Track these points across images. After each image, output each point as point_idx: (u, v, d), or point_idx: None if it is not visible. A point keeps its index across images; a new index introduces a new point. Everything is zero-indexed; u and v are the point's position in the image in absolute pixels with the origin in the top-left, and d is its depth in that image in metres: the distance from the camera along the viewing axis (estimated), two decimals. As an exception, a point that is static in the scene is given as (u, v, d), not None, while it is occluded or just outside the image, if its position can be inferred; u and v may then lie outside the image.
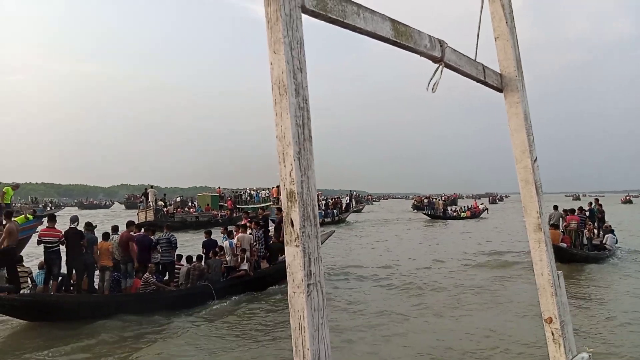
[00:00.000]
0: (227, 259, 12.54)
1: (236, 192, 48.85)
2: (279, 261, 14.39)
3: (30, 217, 15.35)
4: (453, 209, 47.94)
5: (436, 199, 59.99)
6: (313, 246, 1.14)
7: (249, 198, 47.30)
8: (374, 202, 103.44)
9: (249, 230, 13.81)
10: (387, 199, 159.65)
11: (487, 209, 51.17)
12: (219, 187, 48.41)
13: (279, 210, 17.50)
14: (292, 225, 1.13)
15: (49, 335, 9.05)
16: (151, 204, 33.14)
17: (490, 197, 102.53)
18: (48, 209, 53.80)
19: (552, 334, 2.05)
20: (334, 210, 39.49)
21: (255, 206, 38.98)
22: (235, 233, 13.39)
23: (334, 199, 47.56)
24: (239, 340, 8.94)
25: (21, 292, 9.89)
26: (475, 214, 46.85)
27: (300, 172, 1.13)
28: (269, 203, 42.43)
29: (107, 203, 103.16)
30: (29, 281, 10.44)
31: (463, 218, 44.37)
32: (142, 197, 36.56)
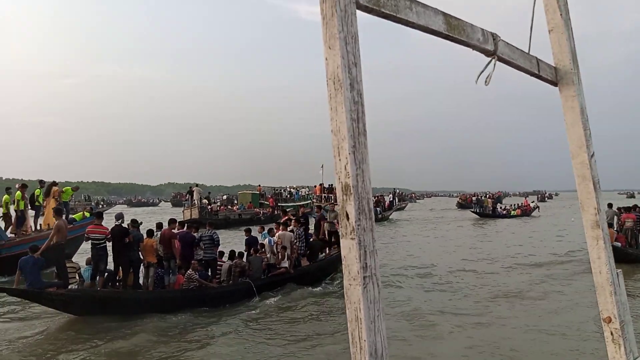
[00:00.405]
0: (268, 256, 12.73)
1: (276, 190, 49.35)
2: (319, 259, 14.51)
3: (88, 214, 16.39)
4: (503, 207, 46.97)
5: (483, 196, 58.93)
6: (368, 239, 1.17)
7: (288, 196, 47.75)
8: (417, 200, 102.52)
9: (289, 228, 13.94)
10: (430, 197, 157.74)
11: (538, 207, 50.03)
12: (259, 185, 49.09)
13: (319, 207, 17.60)
14: (348, 218, 1.16)
15: (94, 329, 9.44)
16: (196, 202, 34.21)
17: (539, 195, 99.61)
18: (100, 206, 55.91)
19: (612, 334, 2.02)
20: (377, 208, 39.38)
21: (295, 204, 39.32)
22: (275, 230, 13.57)
23: (377, 196, 47.32)
24: (282, 338, 9.07)
25: (69, 287, 10.37)
26: (526, 212, 45.87)
27: (355, 165, 1.16)
28: (309, 201, 42.76)
29: (155, 201, 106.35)
30: (77, 277, 10.89)
31: (513, 216, 43.53)
32: (187, 196, 37.69)
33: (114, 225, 11.12)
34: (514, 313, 10.72)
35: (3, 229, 15.97)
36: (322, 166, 38.65)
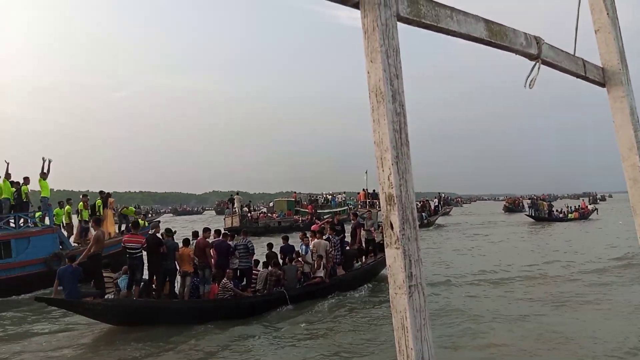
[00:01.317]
0: (302, 265, 12.84)
1: (312, 197, 49.65)
2: (354, 268, 14.51)
3: (146, 223, 18.29)
4: (559, 210, 45.82)
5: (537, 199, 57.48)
6: (413, 248, 1.23)
7: (325, 202, 47.94)
8: (463, 205, 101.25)
9: (325, 236, 13.96)
10: (475, 200, 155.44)
11: (596, 209, 48.62)
12: (295, 193, 49.62)
13: (355, 215, 17.55)
14: (392, 228, 1.23)
15: (131, 339, 9.75)
16: (237, 210, 35.29)
17: (590, 197, 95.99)
18: (150, 215, 58.43)
19: None
20: (422, 214, 39.05)
21: (332, 210, 39.50)
22: (311, 239, 13.67)
23: (422, 201, 46.93)
24: (320, 348, 9.09)
25: (105, 297, 10.73)
26: (584, 215, 44.63)
27: (398, 176, 1.23)
28: (346, 207, 42.90)
29: (199, 209, 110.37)
30: (114, 286, 11.25)
31: (570, 220, 42.40)
32: (229, 204, 38.67)
33: (148, 235, 11.43)
34: (564, 319, 10.53)
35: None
36: (366, 172, 38.92)
